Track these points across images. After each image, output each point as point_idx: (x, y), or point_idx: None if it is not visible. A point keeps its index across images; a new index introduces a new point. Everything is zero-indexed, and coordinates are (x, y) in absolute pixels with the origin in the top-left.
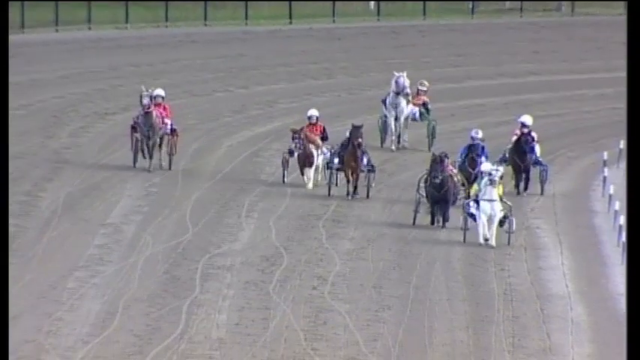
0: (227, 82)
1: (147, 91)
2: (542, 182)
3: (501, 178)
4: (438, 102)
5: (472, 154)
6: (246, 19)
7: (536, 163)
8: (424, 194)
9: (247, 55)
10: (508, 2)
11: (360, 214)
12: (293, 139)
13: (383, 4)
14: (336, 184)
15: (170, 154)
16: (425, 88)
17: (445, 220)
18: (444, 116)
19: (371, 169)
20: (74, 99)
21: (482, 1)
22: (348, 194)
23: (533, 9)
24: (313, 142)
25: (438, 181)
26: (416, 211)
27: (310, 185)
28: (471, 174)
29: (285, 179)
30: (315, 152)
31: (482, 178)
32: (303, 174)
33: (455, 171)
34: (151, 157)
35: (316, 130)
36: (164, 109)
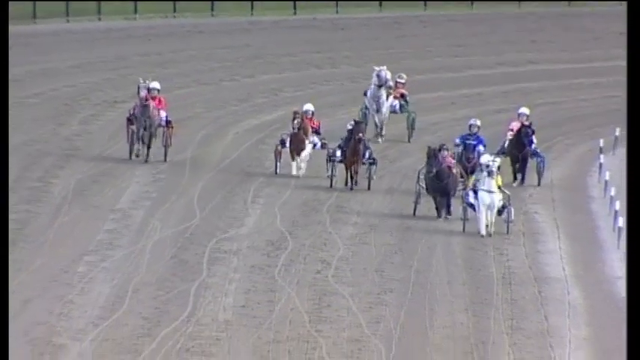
0: (233, 72)
1: (144, 82)
2: (539, 173)
3: (499, 168)
4: (439, 91)
5: (469, 146)
6: (252, 10)
7: (534, 154)
8: (424, 186)
9: (253, 45)
10: None
11: (363, 200)
12: (293, 119)
13: None
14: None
15: (165, 146)
16: (403, 81)
17: (448, 211)
18: (445, 104)
19: (372, 162)
20: (85, 88)
21: None
22: (346, 184)
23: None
24: (306, 131)
25: (432, 175)
26: (416, 202)
27: (295, 171)
28: (467, 167)
29: (278, 170)
30: (306, 140)
31: (480, 170)
32: (292, 158)
33: (454, 162)
34: (148, 148)
35: (312, 123)
36: (159, 101)
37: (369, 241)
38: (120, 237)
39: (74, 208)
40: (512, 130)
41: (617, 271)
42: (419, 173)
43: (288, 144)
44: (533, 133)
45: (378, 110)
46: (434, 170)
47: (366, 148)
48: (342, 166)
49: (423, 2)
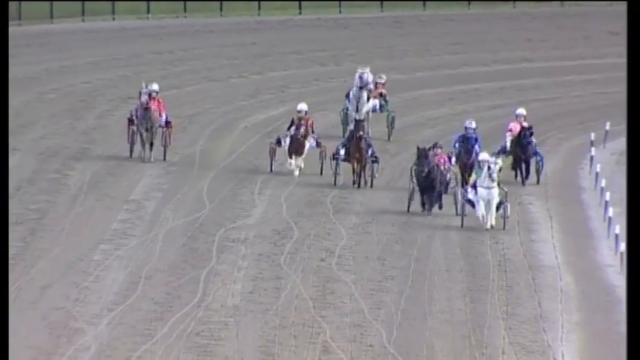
0: (241, 69)
1: (146, 87)
2: (539, 172)
3: (500, 170)
4: (438, 87)
5: (467, 145)
6: (259, 9)
7: (534, 153)
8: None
9: (260, 43)
10: None
11: (365, 191)
12: (297, 127)
13: None
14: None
15: (164, 146)
16: (383, 81)
17: (433, 207)
18: (444, 100)
19: (375, 160)
20: (100, 84)
21: None
22: (354, 183)
23: (526, 0)
24: (307, 135)
25: (424, 174)
26: (410, 199)
27: (296, 172)
28: (466, 163)
29: (273, 168)
30: (306, 143)
31: (480, 167)
32: (290, 157)
33: (445, 159)
34: (150, 148)
35: (307, 123)
36: (158, 102)
37: (371, 230)
38: (133, 226)
39: (90, 199)
40: (510, 130)
41: (607, 258)
42: (411, 170)
43: (287, 146)
44: (531, 134)
45: (358, 111)
46: (425, 169)
47: (369, 145)
48: (346, 164)
49: (422, 2)
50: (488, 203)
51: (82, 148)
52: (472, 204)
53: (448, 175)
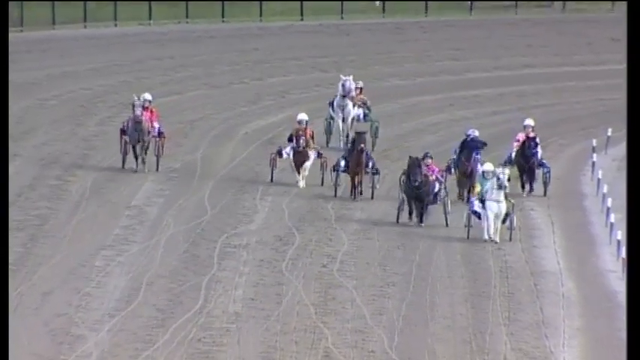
0: (242, 75)
1: (139, 100)
2: (546, 184)
3: (509, 180)
4: (438, 93)
5: (467, 152)
6: (261, 15)
7: (540, 164)
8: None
9: (261, 49)
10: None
11: (367, 197)
12: (296, 138)
13: (388, 2)
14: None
15: (157, 156)
16: (360, 86)
17: (421, 218)
18: (444, 106)
19: (375, 172)
20: (101, 90)
21: (480, 1)
22: (352, 196)
23: (527, 6)
24: (309, 144)
25: (417, 183)
26: (399, 209)
27: (302, 184)
28: (467, 167)
29: (273, 179)
30: (311, 155)
31: (484, 178)
32: (298, 172)
33: (435, 169)
34: (143, 160)
35: (306, 133)
36: (151, 112)
37: (372, 236)
38: (135, 232)
39: (91, 205)
40: (518, 141)
41: (609, 264)
42: (400, 181)
43: (292, 161)
44: (536, 145)
45: (344, 120)
46: (418, 179)
47: (369, 158)
48: (346, 175)
49: (423, 9)
50: (496, 216)
51: (84, 154)
52: (478, 215)
53: (437, 186)
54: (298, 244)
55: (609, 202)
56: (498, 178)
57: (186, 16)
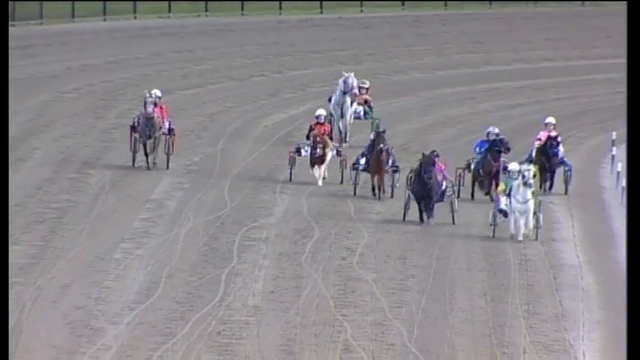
0: (262, 68)
1: (151, 97)
2: (567, 182)
3: (534, 176)
4: (458, 86)
5: (497, 147)
6: (280, 9)
7: (561, 163)
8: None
9: (281, 42)
10: None
11: (387, 184)
12: (314, 143)
13: None
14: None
15: (167, 154)
16: (367, 86)
17: (430, 215)
18: (464, 99)
19: (396, 169)
20: (121, 83)
21: None
22: (374, 195)
23: None
24: (326, 144)
25: (432, 180)
26: (406, 207)
27: (320, 182)
28: (493, 167)
29: (292, 177)
30: (329, 154)
31: (509, 177)
32: (312, 170)
33: (442, 167)
34: (154, 159)
35: (324, 129)
36: (161, 108)
37: (391, 229)
38: (154, 225)
39: (111, 199)
40: (539, 139)
41: None
42: (408, 179)
43: (309, 157)
44: (558, 144)
45: (343, 116)
46: (432, 177)
47: (389, 155)
48: (366, 173)
49: (443, 1)
50: (523, 214)
51: (103, 147)
52: (504, 213)
53: (444, 184)
54: (318, 238)
55: None
56: (524, 176)
57: (206, 10)
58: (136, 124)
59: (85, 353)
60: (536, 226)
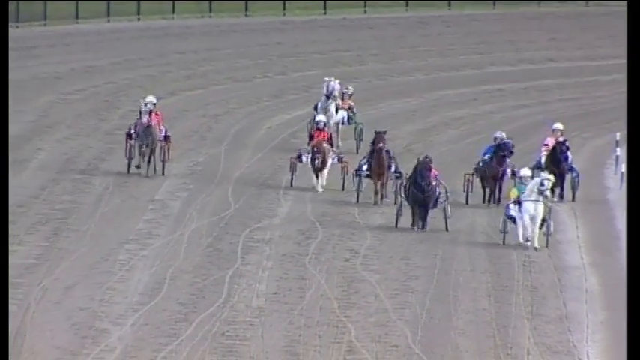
0: (266, 69)
1: (145, 106)
2: (574, 189)
3: (552, 190)
4: (462, 87)
5: (502, 152)
6: (284, 10)
7: (570, 169)
8: (404, 197)
9: (285, 43)
10: None
11: (390, 191)
12: (312, 154)
13: None
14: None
15: (163, 161)
16: (350, 92)
17: (424, 225)
18: (467, 100)
19: (399, 175)
20: (125, 84)
21: None
22: (375, 203)
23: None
24: (325, 153)
25: (428, 186)
26: (398, 214)
27: (319, 189)
28: (498, 171)
29: (293, 183)
30: (329, 161)
31: (521, 182)
32: (317, 177)
33: (436, 173)
34: (149, 163)
35: (323, 136)
36: (156, 115)
37: (395, 230)
38: (158, 226)
39: (115, 199)
40: (546, 145)
41: None
42: (403, 186)
43: (310, 165)
44: (567, 149)
45: (327, 123)
46: (429, 182)
47: (391, 159)
48: (369, 181)
49: (447, 2)
50: (532, 219)
51: (107, 148)
52: (514, 220)
53: (437, 190)
54: (321, 239)
55: None
56: (542, 184)
57: (210, 11)
58: (132, 132)
59: (89, 354)
60: (547, 233)
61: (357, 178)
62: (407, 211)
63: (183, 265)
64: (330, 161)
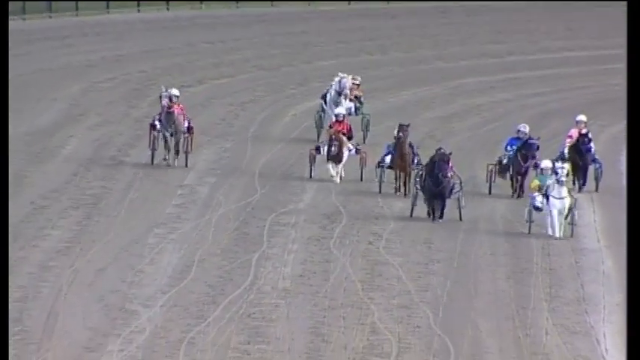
0: (292, 58)
1: (165, 91)
2: (597, 179)
3: (567, 175)
4: (481, 76)
5: (525, 151)
6: (309, 0)
7: (593, 160)
8: (420, 188)
9: (310, 32)
10: None
11: (411, 188)
12: (329, 144)
13: None
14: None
15: (186, 152)
16: (358, 82)
17: (440, 216)
18: (486, 88)
19: (421, 168)
20: (154, 73)
21: None
22: (396, 191)
23: None
24: (342, 142)
25: (445, 178)
26: (413, 205)
27: (338, 180)
28: (522, 168)
29: (312, 174)
30: (345, 153)
31: (542, 174)
32: (333, 166)
33: (450, 166)
34: (177, 153)
35: (343, 127)
36: (178, 106)
37: (417, 215)
38: (187, 211)
39: (145, 185)
40: (570, 137)
41: None
42: (416, 176)
43: (326, 155)
44: (590, 141)
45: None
46: (447, 175)
47: (414, 154)
48: (390, 172)
49: None
50: (559, 213)
51: (137, 135)
52: (538, 210)
53: (452, 182)
54: (345, 223)
55: None
56: (557, 173)
57: (237, 1)
58: (157, 122)
59: (120, 335)
60: (572, 223)
61: (380, 169)
62: (422, 202)
63: (211, 249)
64: (346, 153)
